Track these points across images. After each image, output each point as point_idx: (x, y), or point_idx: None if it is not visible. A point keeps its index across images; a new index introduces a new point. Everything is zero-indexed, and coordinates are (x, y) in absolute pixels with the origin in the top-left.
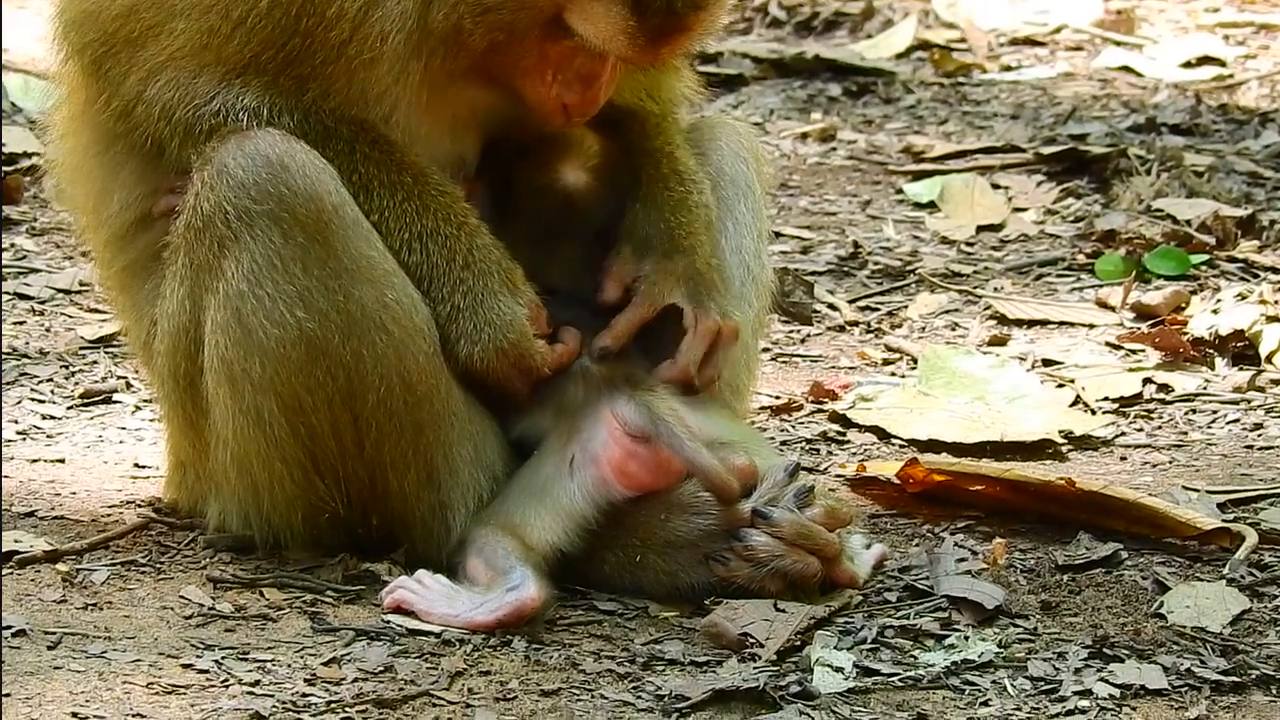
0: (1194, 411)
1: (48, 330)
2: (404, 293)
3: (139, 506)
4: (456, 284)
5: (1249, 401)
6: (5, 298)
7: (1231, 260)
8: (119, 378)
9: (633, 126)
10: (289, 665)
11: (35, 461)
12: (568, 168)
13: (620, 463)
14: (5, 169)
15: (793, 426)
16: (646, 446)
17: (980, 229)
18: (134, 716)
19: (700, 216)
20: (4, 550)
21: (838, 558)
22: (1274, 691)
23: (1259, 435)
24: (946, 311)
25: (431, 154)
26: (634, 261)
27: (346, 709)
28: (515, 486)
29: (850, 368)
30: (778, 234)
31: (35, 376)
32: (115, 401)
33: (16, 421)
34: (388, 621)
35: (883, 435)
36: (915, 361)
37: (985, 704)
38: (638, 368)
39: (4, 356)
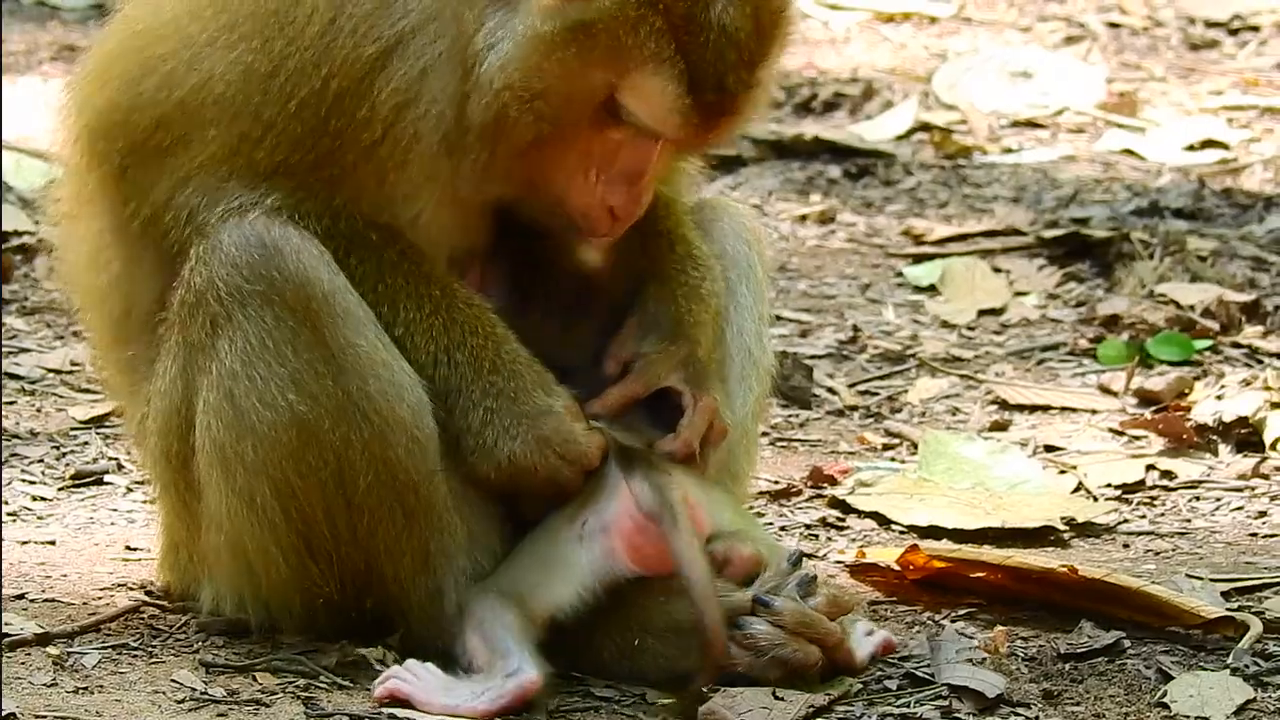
0: (1198, 499)
1: (39, 410)
2: (388, 383)
3: (131, 589)
4: (487, 389)
5: (1253, 489)
6: None
7: (1235, 346)
8: (110, 459)
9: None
10: None
11: (26, 543)
12: (584, 247)
13: (630, 536)
14: None
15: (791, 512)
16: (662, 528)
17: (981, 313)
18: None
19: (711, 306)
20: None
21: (839, 646)
22: None
23: (1263, 523)
24: (947, 396)
25: (446, 243)
26: (635, 341)
27: None
28: (522, 551)
29: (850, 452)
30: (776, 317)
31: (26, 457)
32: (107, 483)
33: (7, 503)
34: (383, 710)
35: (882, 521)
36: (915, 446)
37: None
38: (655, 438)
39: None
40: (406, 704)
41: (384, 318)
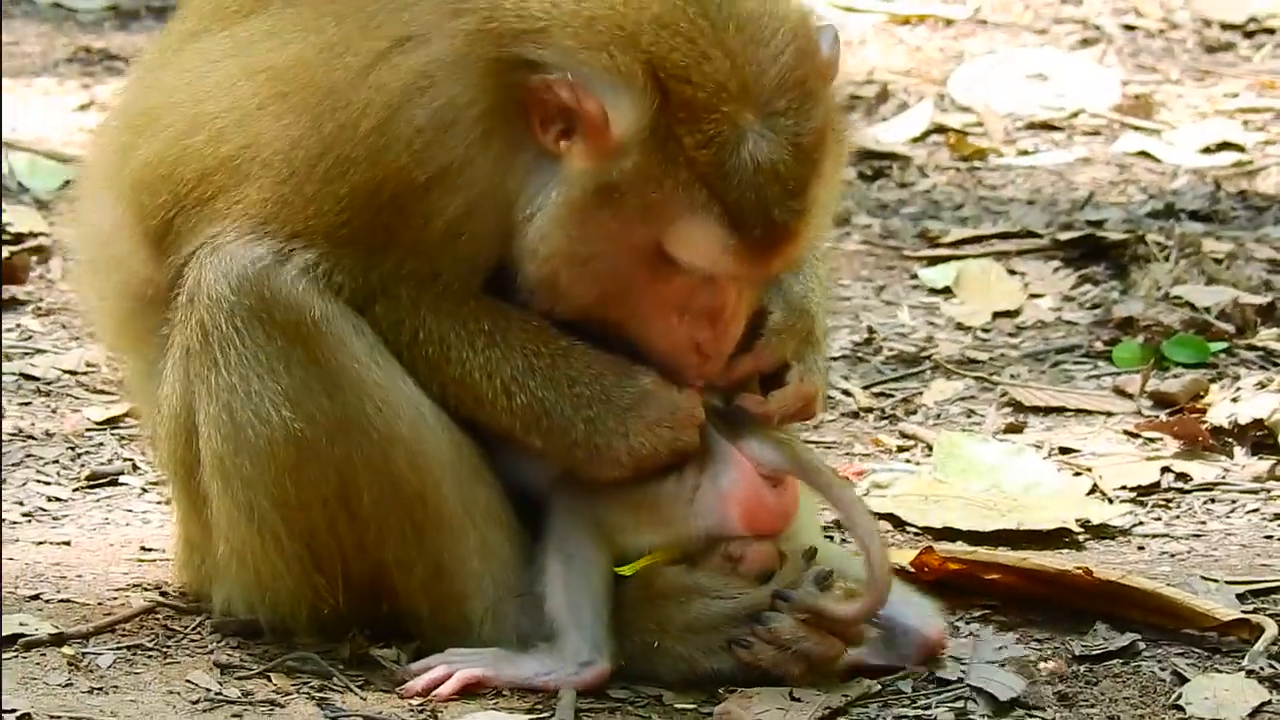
0: (1213, 501)
1: (54, 411)
2: (383, 402)
3: (145, 590)
4: (576, 402)
5: (1269, 491)
6: (11, 378)
7: (1251, 348)
8: (125, 459)
9: None
10: None
11: (41, 544)
12: None
13: (748, 502)
14: (11, 249)
15: None
16: (775, 491)
17: (996, 315)
18: None
19: (824, 288)
20: (10, 634)
21: (859, 640)
22: None
23: (1279, 525)
24: (962, 398)
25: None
26: (765, 295)
27: None
28: (619, 493)
29: (864, 454)
30: None
31: (41, 458)
32: (122, 483)
33: (22, 503)
34: (396, 708)
35: (897, 523)
36: (930, 448)
37: None
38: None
39: (10, 438)
40: (478, 685)
41: (431, 359)
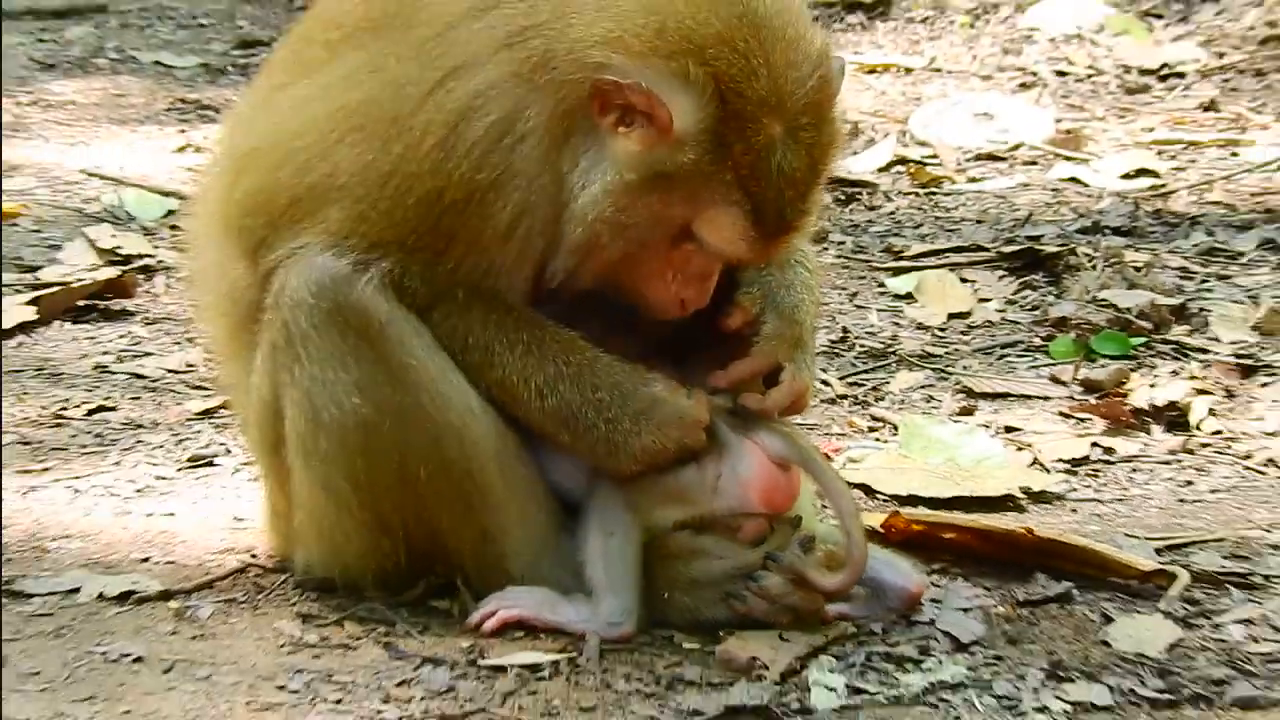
0: (1134, 470)
1: (159, 405)
2: (437, 394)
3: (238, 553)
4: (599, 406)
5: (1180, 462)
6: (123, 377)
7: (1166, 342)
8: (220, 445)
9: None
10: (366, 686)
11: (150, 515)
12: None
13: (765, 485)
14: (122, 268)
15: None
16: (785, 475)
17: (951, 316)
18: None
19: (816, 298)
20: (124, 591)
21: (838, 595)
22: (1203, 707)
23: (1189, 490)
24: (923, 387)
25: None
26: (759, 304)
27: None
28: (651, 480)
29: (840, 434)
30: None
31: (149, 443)
32: (217, 465)
33: (134, 481)
34: (450, 648)
35: (869, 491)
36: (896, 429)
37: (957, 718)
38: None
39: (123, 427)
40: (519, 625)
41: (477, 364)
